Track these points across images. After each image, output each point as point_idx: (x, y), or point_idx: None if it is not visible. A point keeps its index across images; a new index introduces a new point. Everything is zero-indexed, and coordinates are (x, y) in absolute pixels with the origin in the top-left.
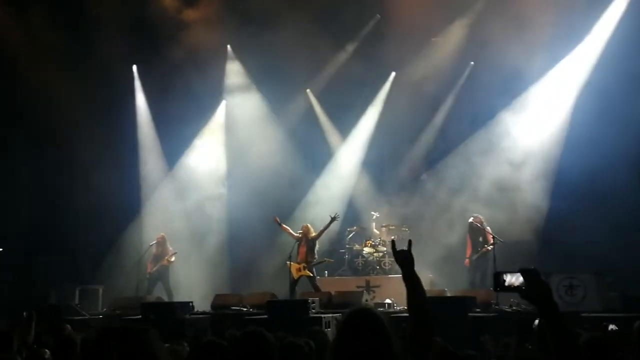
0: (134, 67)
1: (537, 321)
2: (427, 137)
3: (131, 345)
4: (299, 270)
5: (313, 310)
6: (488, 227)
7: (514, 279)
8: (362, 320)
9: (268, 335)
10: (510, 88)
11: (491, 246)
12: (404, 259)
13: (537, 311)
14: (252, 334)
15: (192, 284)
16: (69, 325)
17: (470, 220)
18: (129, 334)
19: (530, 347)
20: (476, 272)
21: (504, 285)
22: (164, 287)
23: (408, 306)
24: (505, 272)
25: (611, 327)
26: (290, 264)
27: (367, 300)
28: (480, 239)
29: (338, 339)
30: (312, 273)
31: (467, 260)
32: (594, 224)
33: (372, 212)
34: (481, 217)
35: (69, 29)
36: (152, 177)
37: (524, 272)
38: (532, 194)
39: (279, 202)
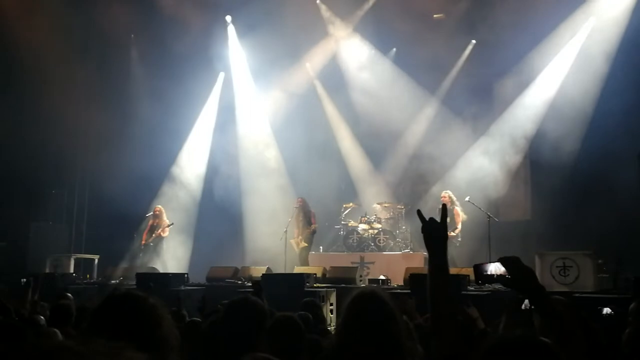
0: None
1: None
2: (427, 114)
3: (137, 310)
4: (297, 243)
5: (307, 284)
6: (457, 207)
7: (494, 269)
8: (369, 303)
9: (257, 301)
10: (514, 67)
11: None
12: (435, 230)
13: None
14: (240, 301)
15: (189, 256)
16: (70, 295)
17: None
18: (134, 299)
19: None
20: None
21: (486, 276)
22: (158, 259)
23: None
24: (484, 264)
25: (606, 310)
26: (285, 235)
27: (361, 276)
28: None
29: (345, 322)
30: (308, 242)
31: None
32: (592, 205)
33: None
34: (449, 194)
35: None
36: (159, 150)
37: (503, 261)
38: (531, 175)
39: (282, 178)
